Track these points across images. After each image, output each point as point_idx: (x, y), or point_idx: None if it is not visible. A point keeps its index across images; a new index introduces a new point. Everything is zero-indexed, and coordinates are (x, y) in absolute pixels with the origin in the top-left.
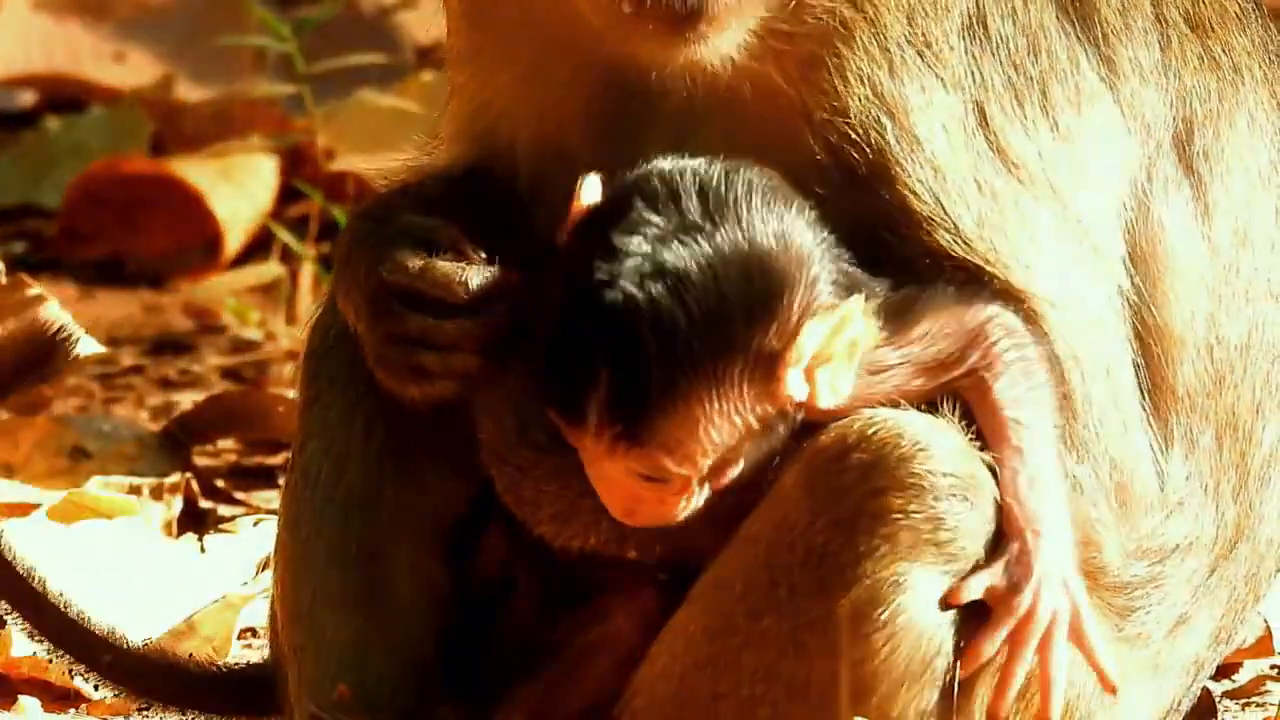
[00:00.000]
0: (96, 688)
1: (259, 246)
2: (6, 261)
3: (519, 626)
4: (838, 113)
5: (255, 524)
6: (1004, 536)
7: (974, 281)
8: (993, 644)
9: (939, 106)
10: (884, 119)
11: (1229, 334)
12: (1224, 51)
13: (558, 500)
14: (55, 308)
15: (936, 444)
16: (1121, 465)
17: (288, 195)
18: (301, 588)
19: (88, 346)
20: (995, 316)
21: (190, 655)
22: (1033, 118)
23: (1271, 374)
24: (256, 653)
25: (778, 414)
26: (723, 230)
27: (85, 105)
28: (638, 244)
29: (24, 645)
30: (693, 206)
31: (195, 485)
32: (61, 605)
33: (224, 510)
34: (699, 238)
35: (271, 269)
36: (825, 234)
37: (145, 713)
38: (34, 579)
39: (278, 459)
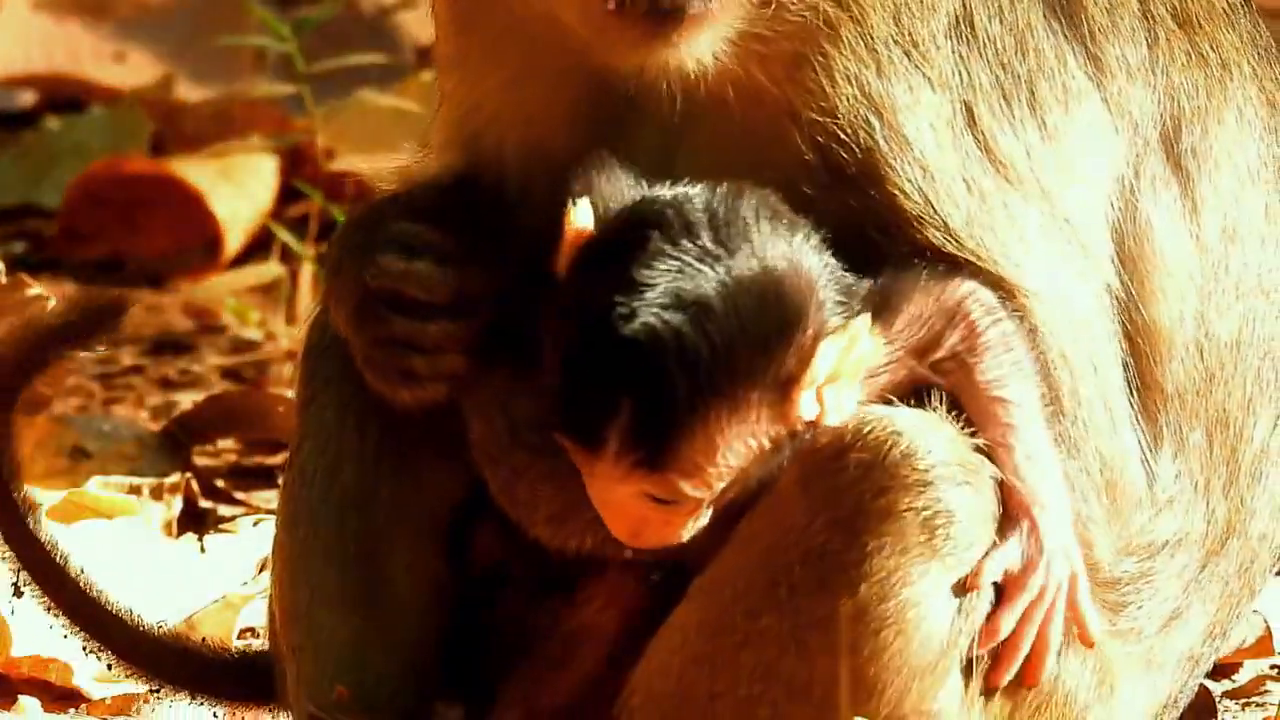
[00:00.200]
0: (110, 666)
1: (259, 246)
2: (6, 261)
3: (513, 621)
4: (825, 113)
5: (255, 524)
6: (1009, 516)
7: (963, 269)
8: (1010, 621)
9: (927, 106)
10: (872, 119)
11: (1218, 331)
12: (1212, 48)
13: (553, 502)
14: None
15: (932, 438)
16: (1111, 462)
17: (288, 195)
18: (299, 587)
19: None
20: (971, 293)
21: (204, 639)
22: (1020, 117)
23: (1262, 370)
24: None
25: (787, 434)
26: (737, 258)
27: (85, 105)
28: (656, 275)
29: (24, 645)
30: (706, 236)
31: (195, 485)
32: (82, 583)
33: (224, 510)
34: (716, 267)
35: (271, 269)
36: (826, 253)
37: (156, 694)
38: (56, 553)
39: (277, 459)
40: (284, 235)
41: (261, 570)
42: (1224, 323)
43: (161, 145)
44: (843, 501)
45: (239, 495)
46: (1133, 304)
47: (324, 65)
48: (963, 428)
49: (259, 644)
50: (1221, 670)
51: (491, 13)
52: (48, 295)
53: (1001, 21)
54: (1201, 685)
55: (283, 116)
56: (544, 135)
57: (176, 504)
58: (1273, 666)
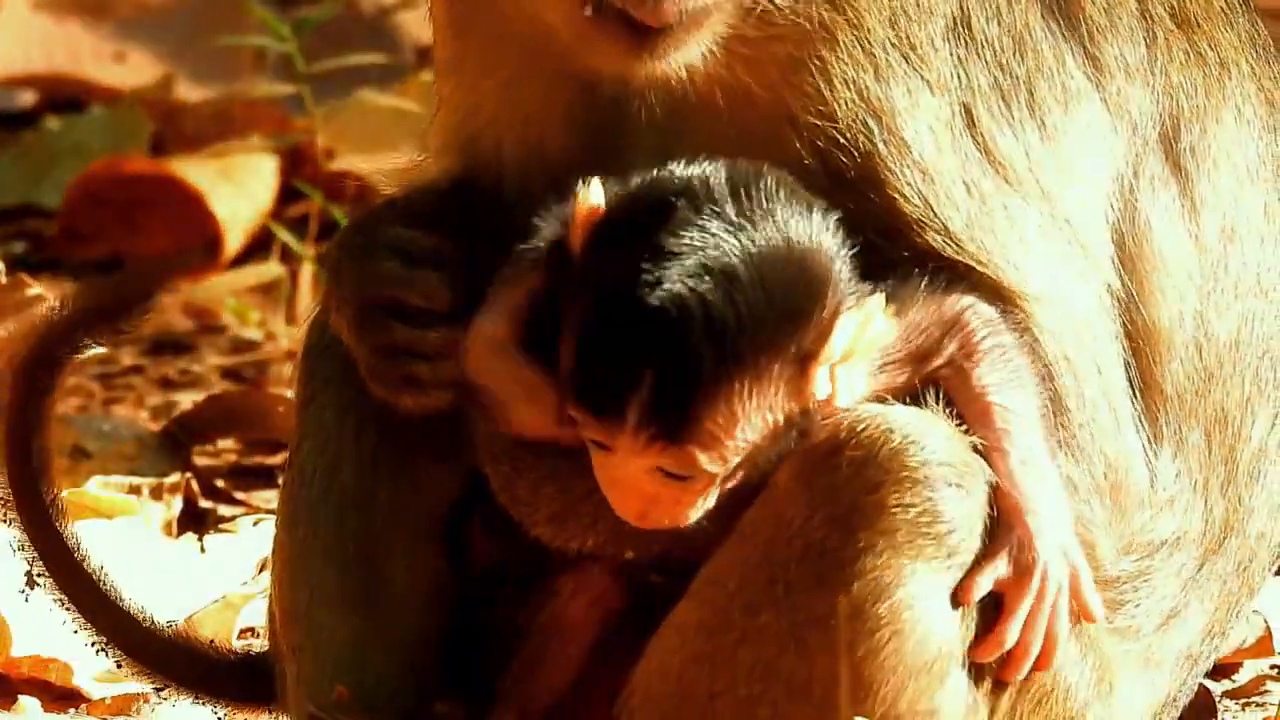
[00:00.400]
0: (119, 665)
1: (259, 246)
2: (6, 261)
3: (512, 620)
4: (824, 117)
5: (255, 524)
6: (1003, 523)
7: (958, 278)
8: (1014, 631)
9: (926, 109)
10: (871, 122)
11: (1217, 330)
12: (1210, 47)
13: (554, 501)
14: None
15: (926, 435)
16: (1115, 464)
17: (288, 195)
18: (299, 587)
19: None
20: (970, 306)
21: (211, 641)
22: (1020, 118)
23: (1261, 369)
24: (248, 649)
25: (800, 412)
26: (762, 230)
27: (85, 105)
28: (684, 244)
29: (25, 645)
30: (731, 207)
31: (195, 485)
32: (97, 580)
33: (224, 510)
34: (741, 237)
35: (271, 269)
36: (844, 238)
37: (161, 694)
38: (76, 550)
39: (277, 459)
40: (284, 235)
41: (261, 570)
42: (1223, 322)
43: (161, 145)
44: (839, 498)
45: (239, 495)
46: (1132, 304)
47: (324, 65)
48: (958, 425)
49: (259, 644)
50: (1221, 670)
51: (488, 17)
52: (47, 295)
53: (999, 23)
54: (1201, 685)
55: (283, 116)
56: (541, 138)
57: (176, 504)
58: (1273, 666)
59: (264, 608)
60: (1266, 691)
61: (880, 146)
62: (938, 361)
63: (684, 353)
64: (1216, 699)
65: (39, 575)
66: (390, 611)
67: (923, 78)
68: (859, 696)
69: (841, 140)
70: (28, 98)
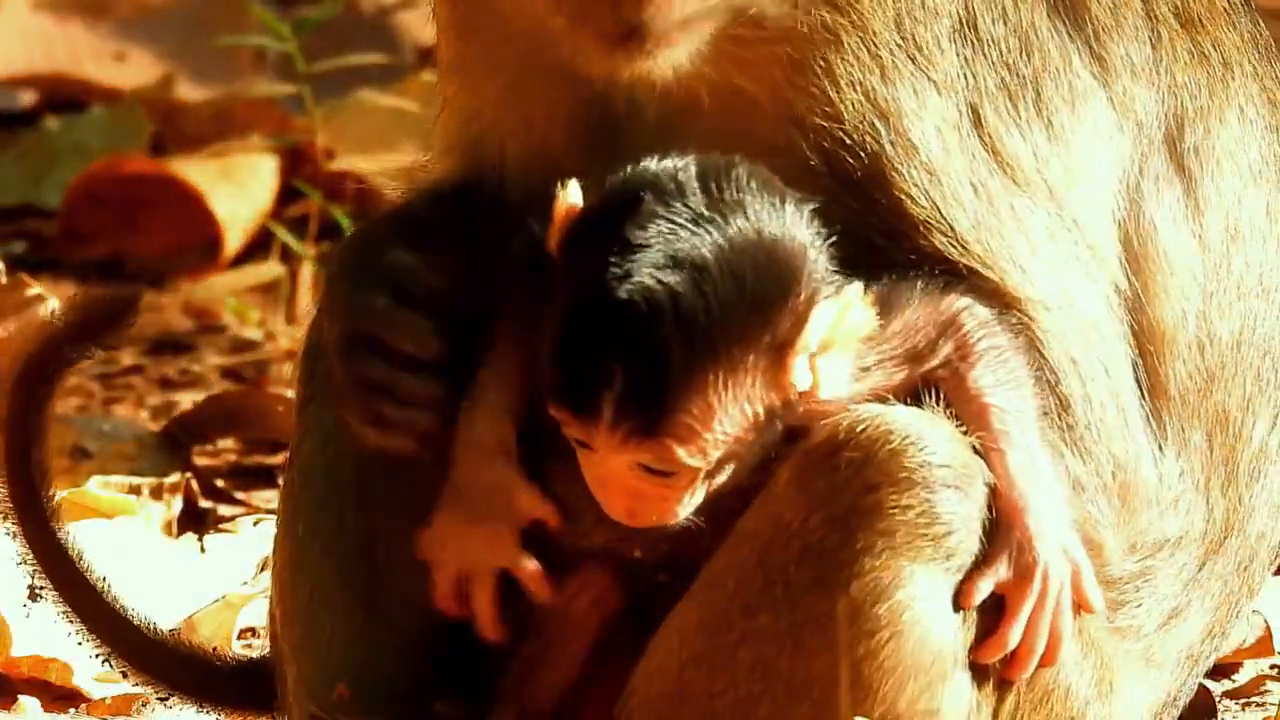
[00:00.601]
0: (125, 675)
1: (259, 246)
2: (6, 261)
3: (512, 620)
4: (830, 118)
5: (255, 524)
6: (1002, 525)
7: (959, 281)
8: (1016, 632)
9: (933, 110)
10: (878, 123)
11: (1220, 331)
12: (1214, 47)
13: (561, 502)
14: (55, 307)
15: (926, 436)
16: (1124, 464)
17: (287, 195)
18: (299, 587)
19: None
20: (967, 307)
21: (214, 648)
22: (1027, 118)
23: (1262, 370)
24: (256, 653)
25: (782, 404)
26: (732, 220)
27: (85, 105)
28: (650, 236)
29: (24, 645)
30: (699, 199)
31: (195, 485)
32: (99, 588)
33: (224, 510)
34: (711, 229)
35: (271, 269)
36: (817, 224)
37: (165, 702)
38: (77, 558)
39: (277, 459)
40: (284, 235)
41: (261, 570)
42: (1225, 323)
43: (161, 145)
44: (837, 499)
45: (239, 495)
46: (1137, 304)
47: (324, 65)
48: (957, 426)
49: (259, 644)
50: (1221, 670)
51: (490, 18)
52: (47, 295)
53: (1005, 23)
54: (1201, 685)
55: (283, 116)
56: (545, 141)
57: (176, 504)
58: (1273, 666)
59: (264, 608)
60: (1266, 691)
61: (887, 147)
62: (933, 362)
63: (653, 345)
64: (1216, 699)
65: (40, 587)
66: (390, 611)
67: (929, 78)
68: (858, 697)
69: (848, 141)
70: (28, 97)
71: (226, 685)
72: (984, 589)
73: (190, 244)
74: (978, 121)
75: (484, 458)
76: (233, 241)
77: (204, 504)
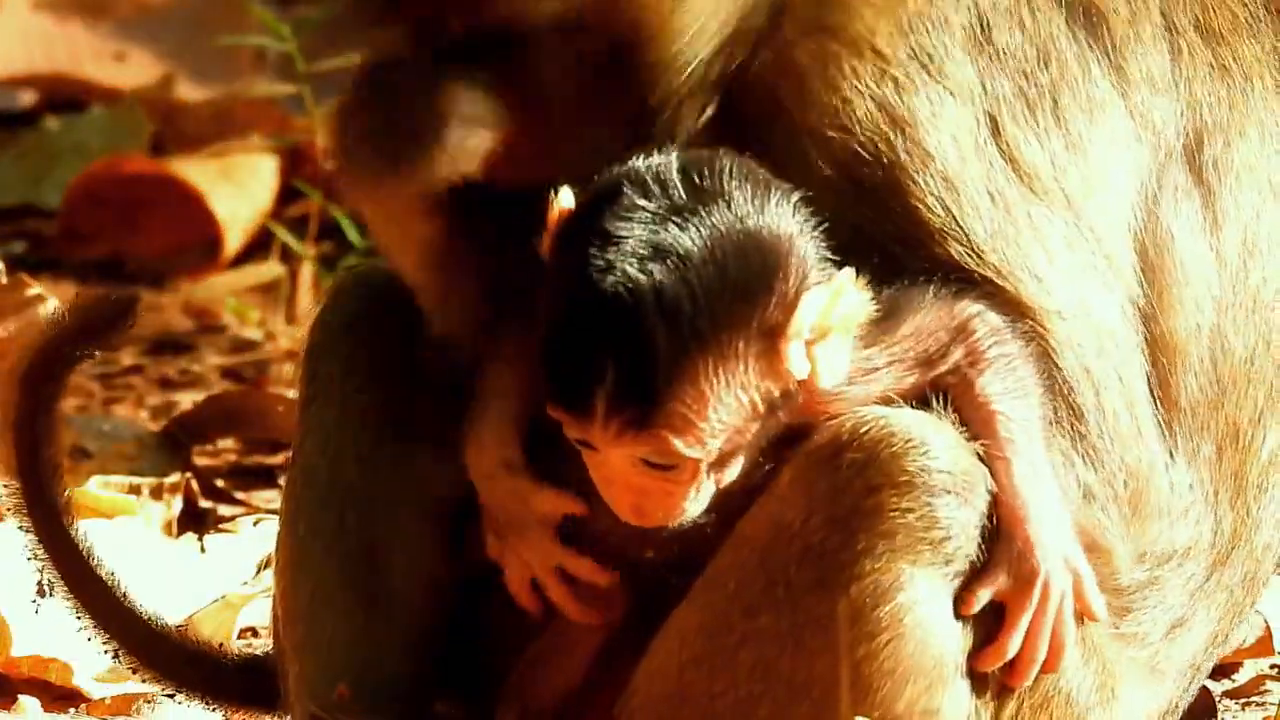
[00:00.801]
0: (134, 671)
1: (259, 246)
2: (6, 261)
3: (513, 620)
4: (844, 130)
5: (255, 524)
6: (1003, 533)
7: (973, 289)
8: (1015, 641)
9: (949, 118)
10: (893, 134)
11: (1234, 345)
12: (1234, 60)
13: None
14: (55, 307)
15: (929, 440)
16: (1136, 473)
17: (288, 195)
18: (300, 587)
19: None
20: (978, 314)
21: (220, 645)
22: (1045, 126)
23: (1275, 385)
24: (256, 653)
25: (780, 394)
26: (714, 210)
27: (85, 105)
28: (632, 228)
29: (24, 645)
30: (681, 190)
31: (195, 485)
32: (111, 586)
33: (224, 510)
34: (692, 218)
35: (271, 268)
36: (808, 216)
37: (175, 699)
38: (90, 557)
39: (278, 459)
40: (284, 235)
41: (261, 570)
42: (1239, 336)
43: (161, 145)
44: (839, 500)
45: (239, 495)
46: (1151, 315)
47: (324, 65)
48: (962, 433)
49: (259, 644)
50: (1221, 670)
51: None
52: (47, 295)
53: (1022, 32)
54: (1201, 685)
55: (283, 116)
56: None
57: (176, 504)
58: (1273, 666)
59: (264, 608)
60: (1266, 691)
61: (903, 156)
62: (943, 367)
63: (639, 335)
64: (1216, 699)
65: (49, 582)
66: (392, 611)
67: (945, 87)
68: (858, 698)
69: (863, 153)
70: (28, 97)
71: (232, 682)
72: (983, 597)
73: (190, 244)
74: (995, 130)
75: (494, 478)
76: (233, 241)
77: (204, 504)
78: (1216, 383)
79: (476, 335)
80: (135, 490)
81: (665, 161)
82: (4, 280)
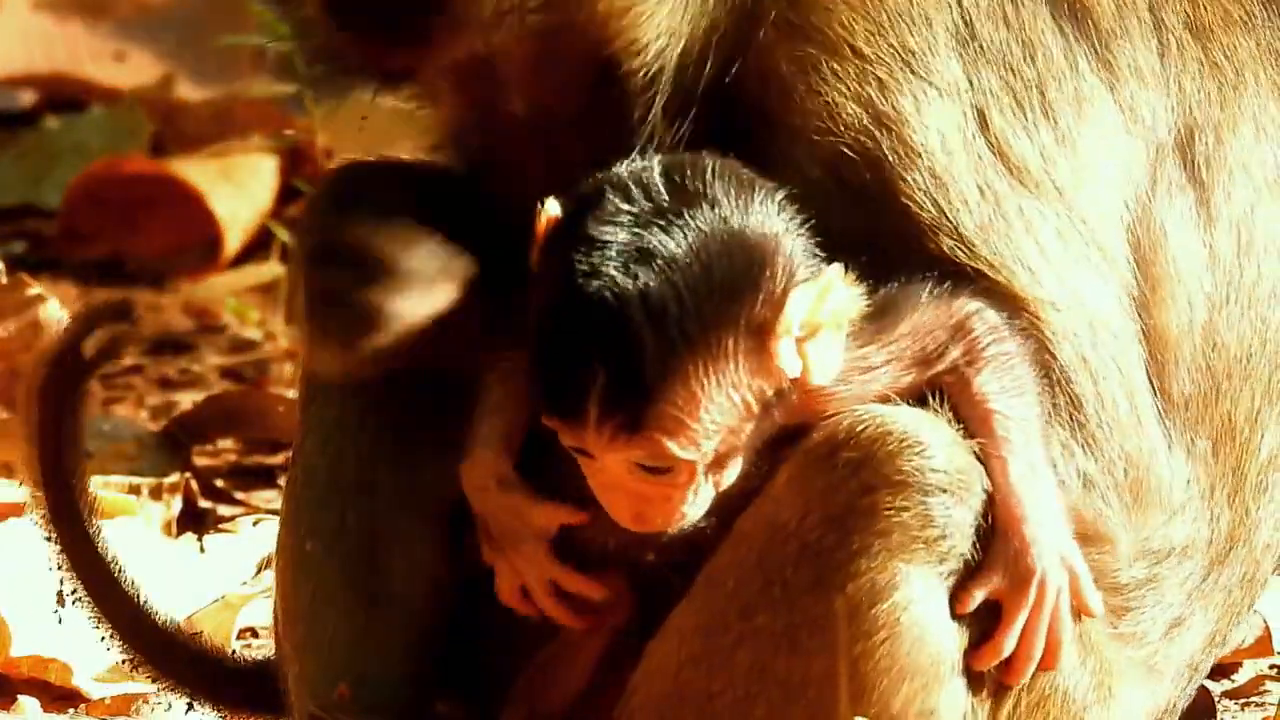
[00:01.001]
0: (153, 681)
1: (259, 246)
2: (6, 261)
3: (513, 621)
4: (830, 132)
5: (255, 524)
6: (999, 532)
7: (968, 284)
8: (1011, 640)
9: (936, 114)
10: (879, 133)
11: (1228, 341)
12: (1226, 56)
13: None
14: (55, 307)
15: (925, 439)
16: (1136, 461)
17: (288, 195)
18: (301, 586)
19: None
20: (976, 312)
21: (233, 652)
22: (1033, 119)
23: (1272, 382)
24: (256, 652)
25: (774, 393)
26: (698, 210)
27: (85, 105)
28: (616, 232)
29: (24, 645)
30: (664, 193)
31: (195, 485)
32: (130, 591)
33: (224, 510)
34: (676, 220)
35: (271, 268)
36: (796, 215)
37: (192, 706)
38: (110, 561)
39: (278, 458)
40: (284, 235)
41: (261, 570)
42: (1233, 333)
43: (161, 145)
44: (834, 498)
45: (239, 495)
46: (1144, 310)
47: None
48: (959, 431)
49: (259, 644)
50: (1220, 670)
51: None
52: (47, 295)
53: (1007, 28)
54: (1200, 685)
55: (283, 116)
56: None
57: (176, 504)
58: (1272, 666)
59: (264, 608)
60: (1266, 691)
61: (890, 155)
62: (941, 366)
63: (626, 337)
64: (1215, 699)
65: (73, 592)
66: (392, 611)
67: (931, 84)
68: (854, 697)
69: (850, 154)
70: (28, 97)
71: (239, 687)
72: (979, 596)
73: (190, 244)
74: (983, 124)
75: (487, 492)
76: (233, 241)
77: (204, 504)
78: (1210, 379)
79: (473, 352)
80: (135, 490)
81: (648, 165)
82: (4, 280)
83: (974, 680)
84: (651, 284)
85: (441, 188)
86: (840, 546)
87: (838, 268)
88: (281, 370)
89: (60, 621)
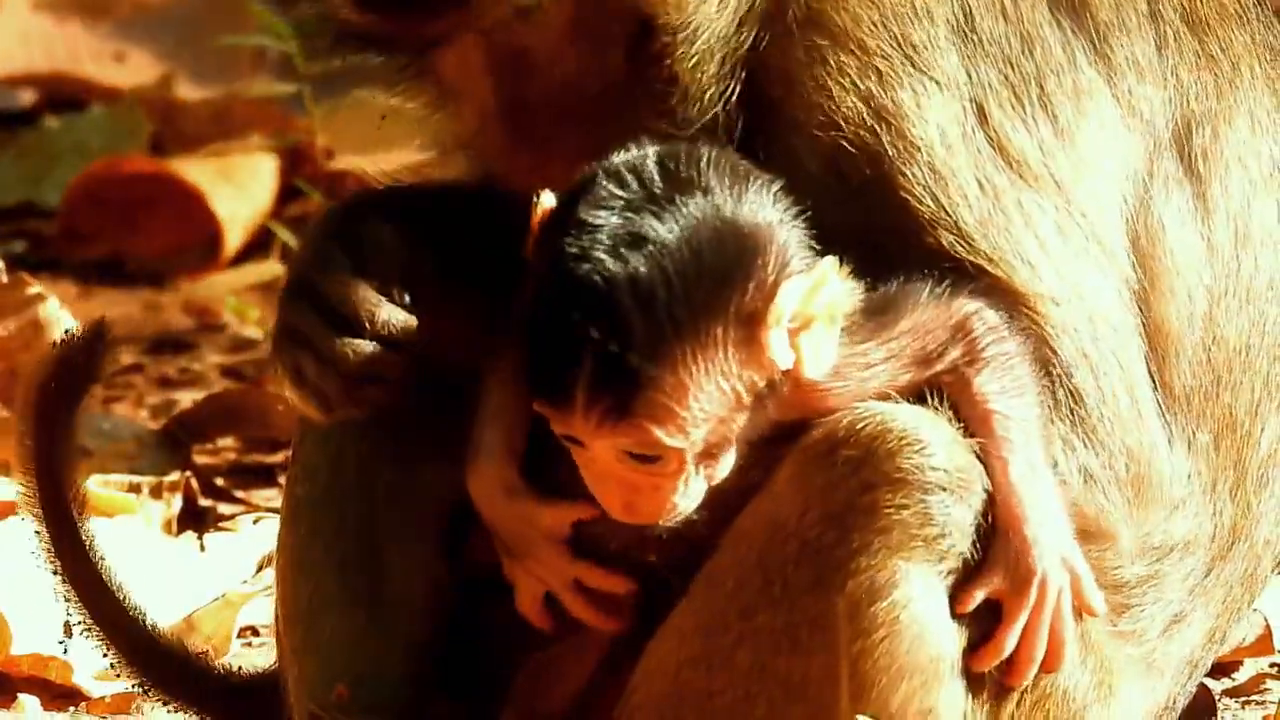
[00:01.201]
0: (144, 691)
1: (259, 245)
2: (7, 261)
3: (513, 622)
4: (830, 126)
5: (255, 522)
6: (1000, 532)
7: (968, 281)
8: (1012, 639)
9: (935, 108)
10: (878, 127)
11: (1227, 334)
12: (1222, 50)
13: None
14: (55, 307)
15: (925, 437)
16: (1137, 455)
17: (287, 194)
18: (300, 586)
19: None
20: (976, 312)
21: (239, 668)
22: (1032, 113)
23: (1271, 375)
24: (256, 651)
25: (766, 384)
26: (691, 198)
27: (85, 104)
28: (607, 217)
29: (24, 643)
30: (657, 180)
31: (195, 484)
32: (123, 602)
33: (224, 509)
34: (666, 206)
35: (271, 267)
36: (791, 207)
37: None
38: (104, 572)
39: (277, 457)
40: (284, 234)
41: (261, 569)
42: (1232, 326)
43: (161, 144)
44: (834, 496)
45: (239, 494)
46: (1144, 303)
47: (324, 64)
48: (960, 430)
49: (259, 642)
50: (1221, 668)
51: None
52: (47, 294)
53: (1005, 21)
54: (1201, 684)
55: (283, 116)
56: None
57: (176, 502)
58: (1272, 665)
59: (264, 606)
60: (1266, 690)
61: (889, 149)
62: (941, 366)
63: (614, 321)
64: (1216, 697)
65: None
66: (391, 611)
67: (930, 77)
68: (853, 694)
69: (850, 148)
70: (28, 97)
71: (225, 694)
72: (979, 596)
73: (190, 243)
74: (982, 118)
75: (496, 502)
76: (233, 241)
77: (204, 502)
78: (1211, 372)
79: (472, 356)
80: (135, 489)
81: (642, 153)
82: (4, 279)
83: (974, 680)
84: (641, 268)
85: (446, 208)
86: (840, 544)
87: (832, 260)
88: None
89: (66, 651)
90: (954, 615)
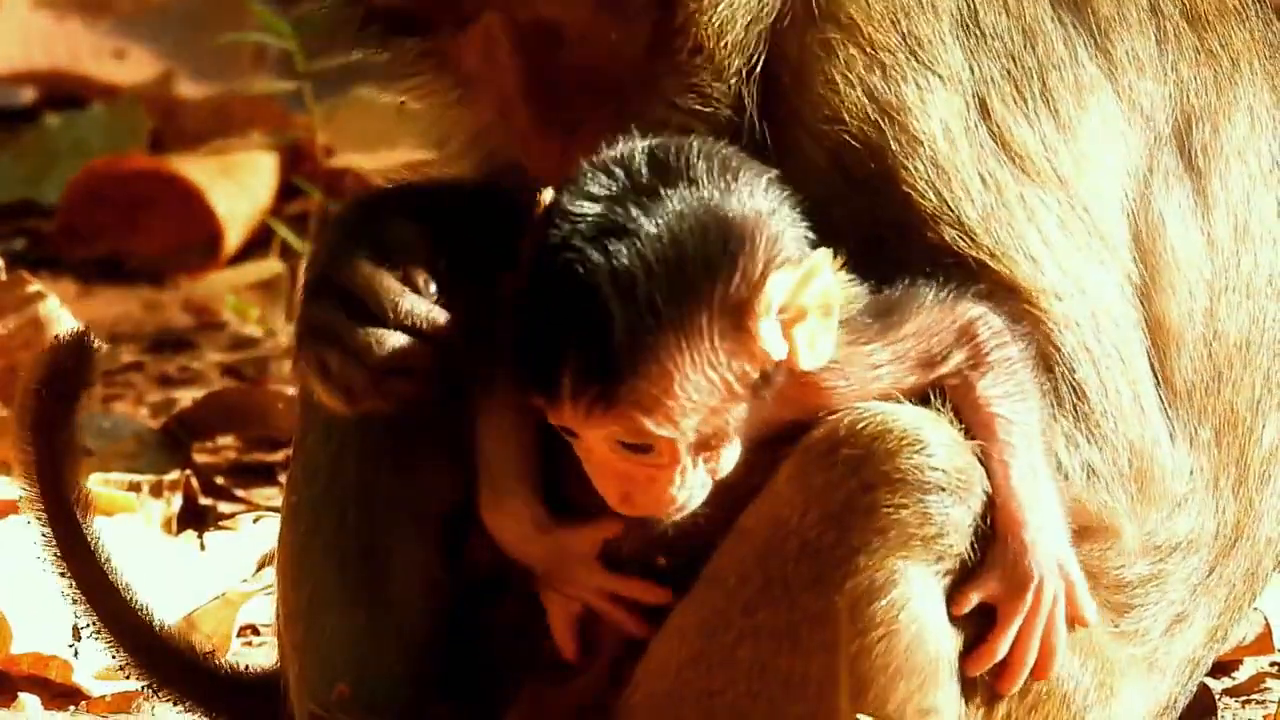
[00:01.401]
0: (152, 689)
1: (259, 243)
2: (6, 259)
3: (513, 623)
4: (835, 120)
5: (255, 521)
6: (998, 535)
7: (974, 279)
8: (1005, 644)
9: (938, 103)
10: (882, 121)
11: (1228, 329)
12: (1222, 46)
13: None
14: (55, 305)
15: (926, 437)
16: (1140, 450)
17: (287, 192)
18: (301, 585)
19: None
20: (981, 316)
21: (247, 666)
22: (1034, 108)
23: (1272, 371)
24: (256, 649)
25: (760, 376)
26: (676, 189)
27: (85, 102)
28: (590, 206)
29: (24, 642)
30: (645, 171)
31: (195, 482)
32: (130, 602)
33: (224, 507)
34: (651, 197)
35: (271, 266)
36: (787, 200)
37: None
38: (111, 573)
39: (277, 456)
40: (284, 232)
41: (261, 568)
42: (1233, 321)
43: (161, 142)
44: (834, 495)
45: (239, 492)
46: (1145, 298)
47: (324, 62)
48: (961, 432)
49: (259, 641)
50: (1221, 668)
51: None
52: (47, 292)
53: (1008, 15)
54: (1201, 683)
55: (282, 113)
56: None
57: (176, 501)
58: (1272, 664)
59: (264, 605)
60: (1266, 689)
61: (892, 144)
62: (945, 369)
63: (596, 310)
64: (1216, 696)
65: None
66: (392, 611)
67: (934, 72)
68: (852, 693)
69: (853, 142)
70: (28, 95)
71: (228, 691)
72: (974, 599)
73: (190, 241)
74: (985, 113)
75: (530, 541)
76: (233, 239)
77: (204, 501)
78: (1212, 367)
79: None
80: (135, 488)
81: (634, 147)
82: (4, 277)
83: (972, 682)
84: (622, 257)
85: (459, 205)
86: (839, 543)
87: (825, 253)
88: (282, 367)
89: (76, 655)
90: (948, 614)
